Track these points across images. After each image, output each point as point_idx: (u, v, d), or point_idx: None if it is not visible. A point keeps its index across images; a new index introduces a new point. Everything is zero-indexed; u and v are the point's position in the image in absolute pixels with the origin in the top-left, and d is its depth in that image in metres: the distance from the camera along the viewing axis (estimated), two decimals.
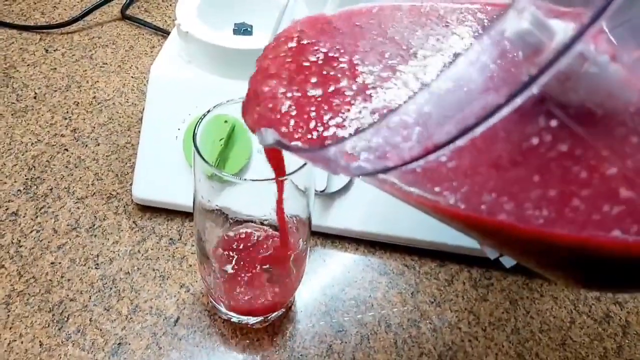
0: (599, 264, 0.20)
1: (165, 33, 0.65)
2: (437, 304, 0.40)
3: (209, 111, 0.29)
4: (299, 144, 0.23)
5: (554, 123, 0.18)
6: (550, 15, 0.15)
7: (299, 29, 0.27)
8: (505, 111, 0.15)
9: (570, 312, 0.41)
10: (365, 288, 0.41)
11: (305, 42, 0.27)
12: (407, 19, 0.29)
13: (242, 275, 0.34)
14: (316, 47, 0.26)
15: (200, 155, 0.27)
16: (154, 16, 0.68)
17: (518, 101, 0.15)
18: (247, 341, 0.37)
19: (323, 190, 0.41)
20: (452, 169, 0.19)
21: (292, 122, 0.23)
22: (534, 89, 0.14)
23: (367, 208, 0.42)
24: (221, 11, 0.46)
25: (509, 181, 0.19)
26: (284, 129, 0.23)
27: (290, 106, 0.24)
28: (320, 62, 0.26)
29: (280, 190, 0.29)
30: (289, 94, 0.24)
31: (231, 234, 0.35)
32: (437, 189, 0.20)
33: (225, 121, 0.38)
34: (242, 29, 0.44)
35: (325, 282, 0.41)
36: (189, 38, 0.42)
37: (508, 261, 0.27)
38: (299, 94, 0.24)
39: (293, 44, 0.27)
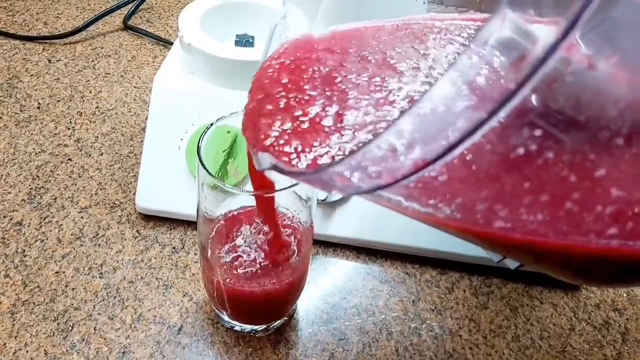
0: (593, 263, 0.20)
1: (166, 43, 0.66)
2: (438, 311, 0.41)
3: (212, 124, 0.30)
4: (294, 168, 0.23)
5: (538, 132, 0.18)
6: (530, 22, 0.16)
7: (288, 53, 0.28)
8: (491, 122, 0.15)
9: (570, 320, 0.41)
10: (366, 296, 0.41)
11: (293, 66, 0.27)
12: (393, 38, 0.30)
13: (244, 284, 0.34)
14: (305, 74, 0.27)
15: (204, 167, 0.28)
16: (155, 26, 0.69)
17: (504, 111, 0.15)
18: (250, 349, 0.37)
19: (324, 200, 0.42)
20: (444, 181, 0.19)
21: (286, 146, 0.24)
22: (522, 94, 0.15)
23: (368, 216, 0.43)
24: (223, 23, 0.46)
25: (500, 189, 0.19)
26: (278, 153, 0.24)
27: (283, 132, 0.25)
28: (310, 86, 0.26)
29: (268, 204, 0.29)
30: (282, 120, 0.25)
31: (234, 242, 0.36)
32: (431, 201, 0.20)
33: (228, 132, 0.38)
34: (244, 41, 0.44)
35: (327, 290, 0.42)
36: (191, 49, 0.42)
37: (512, 263, 0.28)
38: (292, 119, 0.25)
39: (283, 72, 0.27)
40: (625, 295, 0.44)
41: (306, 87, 0.26)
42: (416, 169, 0.17)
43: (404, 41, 0.29)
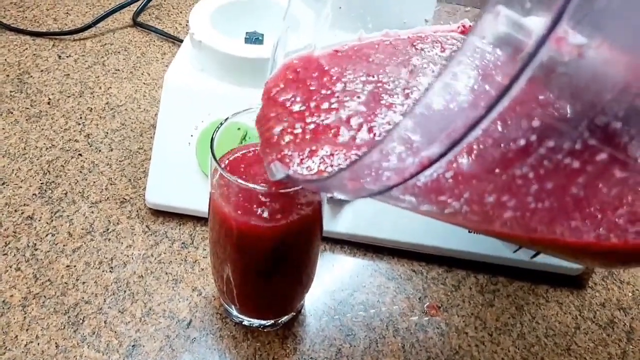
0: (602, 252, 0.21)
1: (175, 40, 0.66)
2: (444, 308, 0.41)
3: (226, 119, 0.30)
4: (306, 176, 0.24)
5: (536, 123, 0.19)
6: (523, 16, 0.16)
7: (293, 70, 0.29)
8: (491, 116, 0.16)
9: (575, 318, 0.42)
10: (373, 293, 0.42)
11: (298, 84, 0.29)
12: (389, 50, 0.31)
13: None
14: (312, 87, 0.28)
15: (218, 163, 0.28)
16: (164, 23, 0.69)
17: (503, 104, 0.16)
18: (258, 344, 0.38)
19: (332, 197, 0.42)
20: (452, 177, 0.20)
21: (296, 156, 0.25)
22: (519, 85, 0.15)
23: (375, 214, 0.43)
24: (233, 20, 0.46)
25: (507, 181, 0.20)
26: (289, 162, 0.25)
27: (293, 141, 0.26)
28: (317, 98, 0.27)
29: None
30: (292, 131, 0.26)
31: None
32: (441, 197, 0.21)
33: (238, 128, 0.39)
34: (254, 38, 0.45)
35: (334, 286, 0.42)
36: (202, 47, 0.43)
37: (527, 253, 0.28)
38: (302, 131, 0.26)
39: (290, 89, 0.28)
40: (630, 294, 0.44)
41: (312, 103, 0.27)
42: (422, 167, 0.18)
43: (400, 53, 0.30)
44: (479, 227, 0.22)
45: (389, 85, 0.28)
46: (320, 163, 0.24)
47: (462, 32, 0.33)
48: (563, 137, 0.19)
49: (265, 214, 0.29)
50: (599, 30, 0.18)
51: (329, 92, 0.28)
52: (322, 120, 0.26)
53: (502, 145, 0.19)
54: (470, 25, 0.33)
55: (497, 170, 0.20)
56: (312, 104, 0.27)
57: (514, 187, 0.19)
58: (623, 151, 0.19)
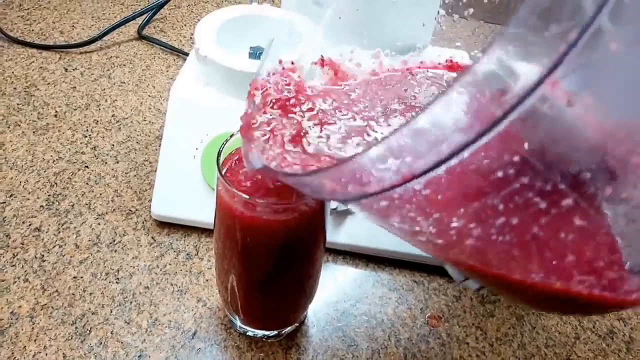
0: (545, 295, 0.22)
1: (180, 52, 0.67)
2: (445, 319, 0.42)
3: (232, 135, 0.31)
4: (285, 169, 0.25)
5: (516, 159, 0.19)
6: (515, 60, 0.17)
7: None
8: (474, 147, 0.17)
9: (575, 328, 0.42)
10: (375, 303, 0.42)
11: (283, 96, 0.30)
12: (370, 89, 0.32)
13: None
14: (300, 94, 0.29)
15: (223, 177, 0.29)
16: (169, 36, 0.71)
17: (485, 139, 0.16)
18: (262, 354, 0.38)
19: (335, 208, 0.43)
20: (426, 196, 0.21)
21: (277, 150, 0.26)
22: (500, 127, 0.16)
23: (377, 225, 0.44)
24: (238, 35, 0.47)
25: (477, 208, 0.21)
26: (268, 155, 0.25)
27: (274, 137, 0.26)
28: (304, 104, 0.29)
29: None
30: (275, 127, 0.27)
31: None
32: (411, 214, 0.22)
33: None
34: (257, 53, 0.46)
35: (337, 297, 0.43)
36: (207, 62, 0.44)
37: (473, 284, 0.29)
38: (285, 128, 0.27)
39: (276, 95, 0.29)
40: None
41: (295, 108, 0.28)
42: (403, 181, 0.19)
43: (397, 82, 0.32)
44: (440, 251, 0.23)
45: (367, 112, 0.30)
46: (299, 159, 0.25)
47: (449, 68, 0.34)
48: (537, 176, 0.19)
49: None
50: (589, 83, 0.19)
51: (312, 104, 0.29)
52: (307, 124, 0.27)
53: (481, 173, 0.20)
54: (457, 63, 0.34)
55: (471, 197, 0.20)
56: (301, 107, 0.28)
57: (483, 216, 0.20)
58: (587, 200, 0.20)
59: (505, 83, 0.16)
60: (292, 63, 0.31)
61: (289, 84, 0.30)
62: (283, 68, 0.31)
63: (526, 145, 0.19)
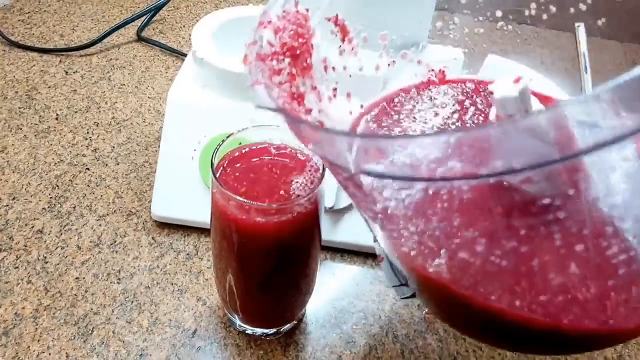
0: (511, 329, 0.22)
1: (179, 54, 0.68)
2: None
3: (228, 137, 0.31)
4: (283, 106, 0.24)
5: (517, 197, 0.20)
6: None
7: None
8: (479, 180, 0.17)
9: None
10: (373, 300, 0.43)
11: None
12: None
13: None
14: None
15: (217, 179, 0.30)
16: (168, 37, 0.71)
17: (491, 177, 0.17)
18: (261, 352, 0.39)
19: (332, 207, 0.43)
20: (442, 201, 0.21)
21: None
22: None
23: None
24: (234, 38, 0.48)
25: (490, 228, 0.21)
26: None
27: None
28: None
29: None
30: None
31: None
32: (427, 210, 0.22)
33: (240, 143, 0.40)
34: None
35: (335, 294, 0.43)
36: (204, 64, 0.44)
37: (406, 291, 0.30)
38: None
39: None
40: None
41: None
42: (432, 177, 0.19)
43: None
44: (423, 263, 0.23)
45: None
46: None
47: (475, 91, 0.34)
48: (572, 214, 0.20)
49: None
50: None
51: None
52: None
53: (508, 195, 0.20)
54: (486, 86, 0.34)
55: (488, 215, 0.21)
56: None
57: (496, 237, 0.21)
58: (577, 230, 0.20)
59: (516, 110, 0.17)
60: (307, 10, 0.29)
61: (301, 35, 0.29)
62: (297, 11, 0.29)
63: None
